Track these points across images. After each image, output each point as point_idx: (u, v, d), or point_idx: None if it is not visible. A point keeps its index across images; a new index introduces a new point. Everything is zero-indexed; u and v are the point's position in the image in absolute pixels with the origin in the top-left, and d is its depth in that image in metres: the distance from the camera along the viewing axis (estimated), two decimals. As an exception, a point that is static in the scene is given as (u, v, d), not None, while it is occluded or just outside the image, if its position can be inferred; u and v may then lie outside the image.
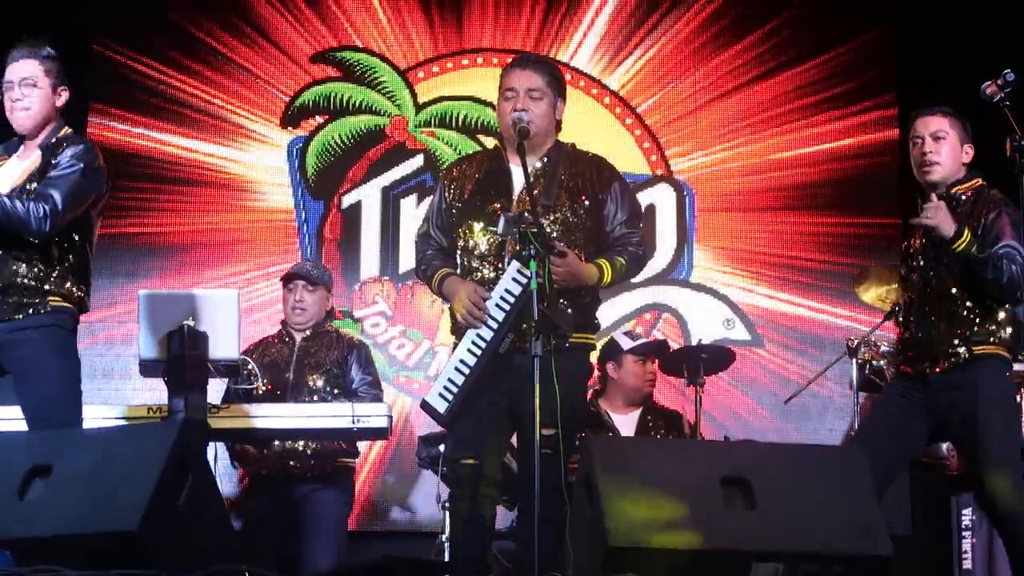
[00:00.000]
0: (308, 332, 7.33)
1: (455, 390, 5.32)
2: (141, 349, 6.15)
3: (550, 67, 5.72)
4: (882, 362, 7.10)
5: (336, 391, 7.17)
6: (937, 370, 5.64)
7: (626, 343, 7.48)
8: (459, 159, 5.88)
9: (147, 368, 6.20)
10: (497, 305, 5.30)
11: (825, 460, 5.18)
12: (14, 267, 5.54)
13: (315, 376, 7.18)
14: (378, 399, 7.10)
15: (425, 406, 5.40)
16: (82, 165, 5.59)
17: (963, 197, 5.71)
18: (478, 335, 5.34)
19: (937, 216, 5.55)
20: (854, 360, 7.09)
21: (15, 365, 5.57)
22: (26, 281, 5.54)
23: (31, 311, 5.54)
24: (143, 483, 4.57)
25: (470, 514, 5.44)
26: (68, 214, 5.52)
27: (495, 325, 5.31)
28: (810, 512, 4.77)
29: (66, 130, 5.74)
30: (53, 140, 5.66)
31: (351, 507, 7.44)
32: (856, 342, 7.12)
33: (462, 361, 5.34)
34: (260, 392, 6.99)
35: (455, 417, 5.36)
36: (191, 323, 6.02)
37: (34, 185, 5.55)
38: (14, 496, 4.81)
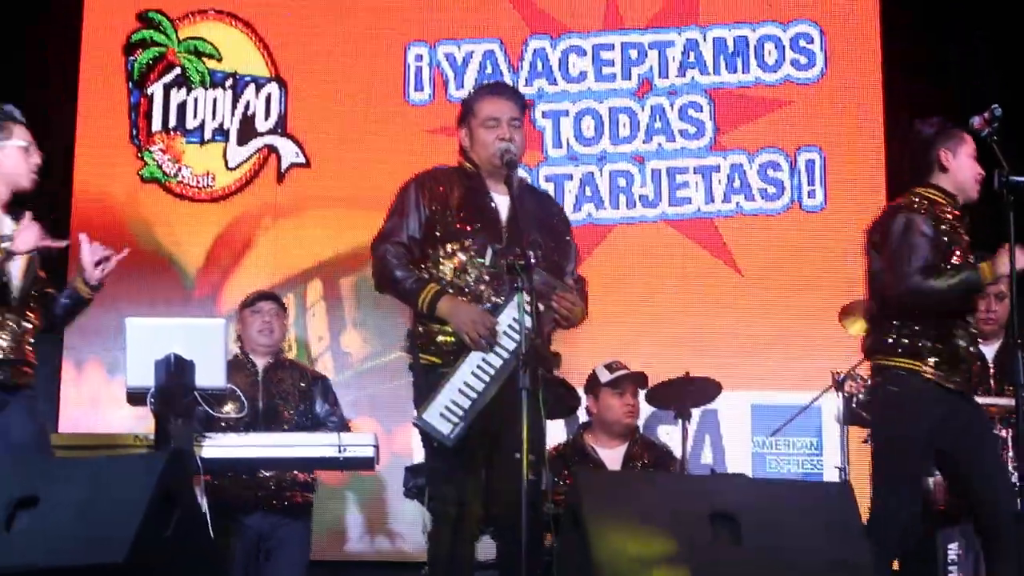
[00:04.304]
0: (270, 359, 7.23)
1: (461, 412, 5.24)
2: (128, 378, 6.14)
3: (522, 96, 5.72)
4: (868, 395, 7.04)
5: (306, 422, 7.09)
6: None
7: (604, 376, 7.43)
8: (432, 173, 5.66)
9: (134, 397, 6.19)
10: (505, 333, 5.27)
11: (813, 496, 5.20)
12: None
13: (286, 406, 7.10)
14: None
15: (425, 426, 5.28)
16: None
17: None
18: (484, 360, 5.29)
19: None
20: (840, 394, 7.05)
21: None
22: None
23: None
24: (131, 514, 4.54)
25: (452, 553, 5.41)
26: None
27: (505, 354, 5.27)
28: (796, 548, 4.77)
29: None
30: None
31: (310, 542, 7.30)
32: (842, 375, 7.08)
33: (467, 384, 5.27)
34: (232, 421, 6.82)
35: (460, 440, 5.28)
36: (178, 352, 6.03)
37: None
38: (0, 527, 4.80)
